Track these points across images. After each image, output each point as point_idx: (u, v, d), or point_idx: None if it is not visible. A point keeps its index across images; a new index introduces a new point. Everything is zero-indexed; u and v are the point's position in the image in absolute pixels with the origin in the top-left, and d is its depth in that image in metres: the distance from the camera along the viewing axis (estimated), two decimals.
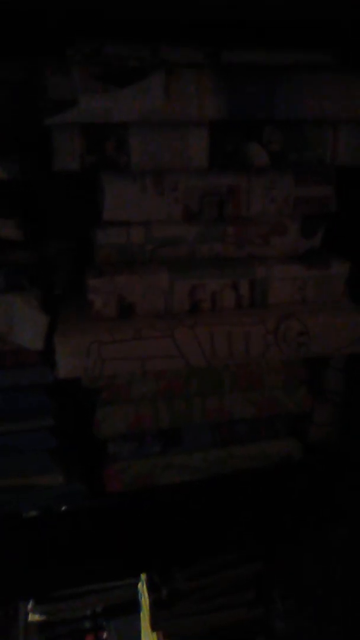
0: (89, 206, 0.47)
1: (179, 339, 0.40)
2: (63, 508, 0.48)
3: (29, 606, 0.74)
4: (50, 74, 0.35)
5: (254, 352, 0.42)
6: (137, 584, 0.73)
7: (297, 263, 0.43)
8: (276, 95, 0.39)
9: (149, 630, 0.65)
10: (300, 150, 0.41)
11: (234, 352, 0.41)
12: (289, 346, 0.42)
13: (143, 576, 0.69)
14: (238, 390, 0.46)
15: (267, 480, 0.50)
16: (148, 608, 0.64)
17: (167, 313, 0.42)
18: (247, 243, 0.43)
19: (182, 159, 0.39)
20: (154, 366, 0.40)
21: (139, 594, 0.73)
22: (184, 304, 0.42)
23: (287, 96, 0.39)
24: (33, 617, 0.73)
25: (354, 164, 0.41)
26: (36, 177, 0.43)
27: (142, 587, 0.71)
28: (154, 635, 0.65)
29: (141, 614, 0.73)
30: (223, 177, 0.41)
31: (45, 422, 0.43)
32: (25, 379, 0.41)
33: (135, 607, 0.75)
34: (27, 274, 0.40)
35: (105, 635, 0.86)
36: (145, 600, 0.69)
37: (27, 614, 0.75)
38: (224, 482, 0.50)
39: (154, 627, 0.61)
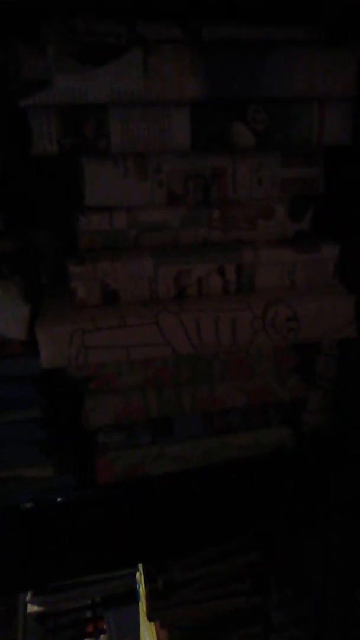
0: (74, 192, 0.46)
1: (164, 326, 0.39)
2: (57, 500, 0.48)
3: (27, 598, 0.74)
4: (23, 54, 0.34)
5: (241, 338, 0.41)
6: (135, 574, 0.72)
7: (286, 247, 0.42)
8: (260, 73, 0.38)
9: (147, 620, 0.65)
10: (285, 129, 0.39)
11: (221, 339, 0.40)
12: (277, 332, 0.41)
13: (141, 566, 0.69)
14: (229, 379, 0.45)
15: (261, 469, 0.49)
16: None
17: (152, 300, 0.41)
18: (234, 227, 0.42)
19: (164, 141, 0.38)
20: (140, 354, 0.39)
21: (137, 584, 0.73)
22: (169, 290, 0.41)
23: (272, 73, 0.38)
24: (32, 609, 0.73)
25: (341, 144, 0.40)
26: (15, 163, 0.42)
27: (140, 577, 0.71)
28: (152, 625, 0.65)
29: (140, 604, 0.73)
30: (207, 159, 0.40)
31: (32, 413, 0.42)
32: (10, 370, 0.40)
33: (134, 597, 0.74)
34: (8, 262, 0.39)
35: (105, 625, 0.86)
36: (142, 589, 0.69)
37: (26, 606, 0.75)
38: (217, 472, 0.49)
39: (151, 617, 0.61)
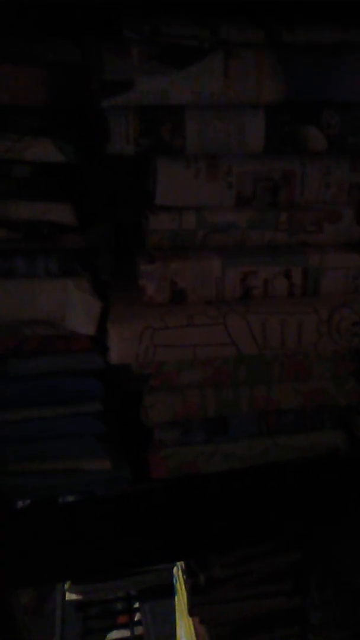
0: (129, 191, 0.47)
1: (230, 326, 0.39)
2: (108, 493, 0.49)
3: (66, 586, 0.76)
4: (107, 55, 0.35)
5: (306, 341, 0.41)
6: (173, 568, 0.73)
7: (352, 251, 0.42)
8: (336, 76, 0.38)
9: (185, 614, 0.65)
10: (358, 133, 0.39)
11: (286, 341, 0.41)
12: (342, 336, 0.41)
13: (179, 561, 0.70)
14: (286, 380, 0.46)
15: (312, 471, 0.49)
16: (184, 593, 0.65)
17: (218, 300, 0.41)
18: (300, 230, 0.42)
19: (238, 143, 0.38)
20: (206, 353, 0.40)
21: (174, 578, 0.73)
22: (235, 291, 0.41)
23: (347, 77, 0.38)
24: (70, 597, 0.75)
25: None
26: (89, 161, 0.42)
27: (178, 572, 0.72)
28: (190, 620, 0.65)
29: (176, 598, 0.74)
30: (278, 161, 0.40)
31: (94, 407, 0.43)
32: (76, 364, 0.41)
33: (170, 590, 0.75)
34: (79, 259, 0.40)
35: (137, 617, 0.87)
36: (180, 584, 0.70)
37: (64, 594, 0.76)
38: (268, 472, 0.49)
39: (191, 612, 0.61)
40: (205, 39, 0.35)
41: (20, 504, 0.51)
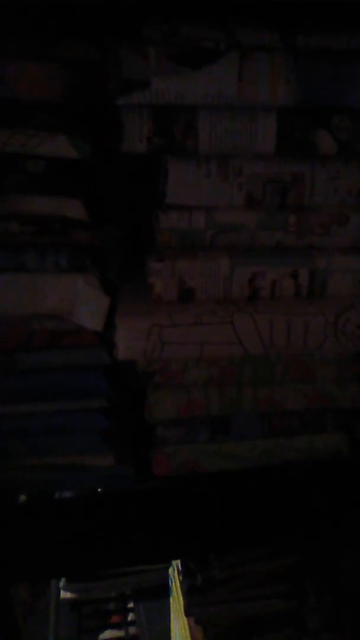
0: (137, 190, 0.47)
1: (238, 325, 0.40)
2: (107, 490, 0.49)
3: (61, 584, 0.76)
4: (125, 54, 0.35)
5: (312, 342, 0.41)
6: (168, 568, 0.73)
7: (359, 254, 0.43)
8: (348, 82, 0.38)
9: (180, 615, 0.65)
10: None
11: (292, 342, 0.41)
12: (347, 338, 0.41)
13: (175, 561, 0.70)
14: (290, 381, 0.46)
15: (314, 474, 0.49)
16: (180, 593, 0.65)
17: (225, 299, 0.42)
18: (308, 232, 0.43)
19: (250, 145, 0.39)
20: (213, 352, 0.40)
21: (170, 579, 0.73)
22: (243, 291, 0.42)
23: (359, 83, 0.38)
24: (65, 595, 0.74)
25: None
26: (100, 159, 0.43)
27: (173, 572, 0.72)
28: (185, 620, 0.65)
29: (171, 599, 0.74)
30: (288, 164, 0.41)
31: (99, 403, 0.43)
32: (83, 360, 0.42)
33: (165, 591, 0.75)
34: (90, 254, 0.40)
35: (130, 617, 0.87)
36: (176, 585, 0.70)
37: (59, 592, 0.76)
38: (270, 473, 0.49)
39: (187, 612, 0.61)
40: (221, 40, 0.35)
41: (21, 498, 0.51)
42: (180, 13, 0.36)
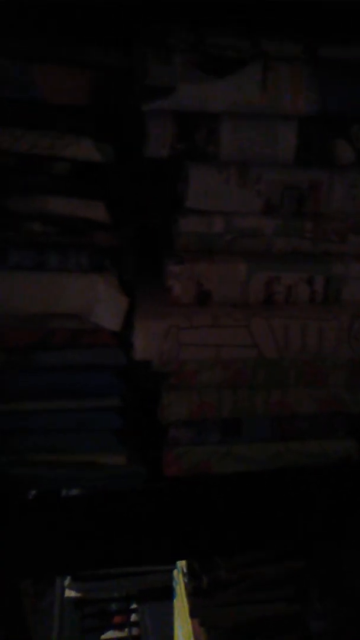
0: (155, 194, 0.48)
1: (254, 329, 0.40)
2: (115, 489, 0.49)
3: (66, 583, 0.76)
4: (150, 60, 0.36)
5: (325, 347, 0.42)
6: (173, 570, 0.74)
7: None
8: None
9: (184, 616, 0.66)
10: None
11: (307, 346, 0.42)
12: None
13: (179, 563, 0.70)
14: (302, 385, 0.47)
15: (323, 478, 0.50)
16: (185, 595, 0.65)
17: (241, 303, 0.42)
18: (324, 239, 0.43)
19: (270, 152, 0.40)
20: (228, 354, 0.41)
21: (174, 581, 0.74)
22: (259, 295, 0.42)
23: None
24: (69, 594, 0.75)
25: None
26: (123, 163, 0.44)
27: (178, 574, 0.72)
28: (189, 622, 0.66)
29: (175, 601, 0.74)
30: (306, 172, 0.41)
31: (113, 402, 0.44)
32: (100, 359, 0.42)
33: (169, 593, 0.76)
34: (109, 255, 0.41)
35: (133, 617, 0.87)
36: (180, 587, 0.70)
37: (63, 590, 0.76)
38: (277, 476, 0.50)
39: (192, 614, 0.62)
40: (245, 50, 0.36)
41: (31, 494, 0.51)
42: (207, 22, 0.36)
